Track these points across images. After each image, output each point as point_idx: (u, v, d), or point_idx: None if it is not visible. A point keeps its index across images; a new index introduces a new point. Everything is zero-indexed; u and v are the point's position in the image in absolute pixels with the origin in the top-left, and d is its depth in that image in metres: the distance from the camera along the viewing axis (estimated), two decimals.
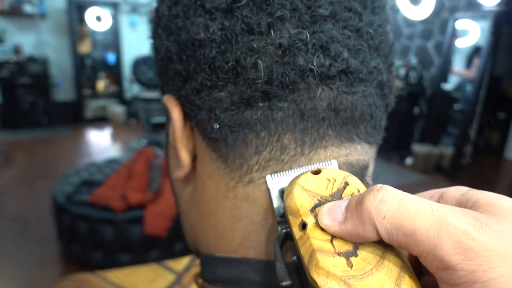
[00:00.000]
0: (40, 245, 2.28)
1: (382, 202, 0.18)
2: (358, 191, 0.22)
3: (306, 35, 0.24)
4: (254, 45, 0.24)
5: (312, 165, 0.25)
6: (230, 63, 0.24)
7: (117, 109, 5.41)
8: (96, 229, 1.94)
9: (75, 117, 5.40)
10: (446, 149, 3.91)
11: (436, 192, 0.22)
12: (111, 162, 2.55)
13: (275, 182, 0.25)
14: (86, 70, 5.65)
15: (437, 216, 0.17)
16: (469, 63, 4.06)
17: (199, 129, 0.28)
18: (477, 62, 3.75)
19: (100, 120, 5.49)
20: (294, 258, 0.23)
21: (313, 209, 0.21)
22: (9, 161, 3.75)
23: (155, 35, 0.30)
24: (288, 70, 0.24)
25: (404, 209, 0.18)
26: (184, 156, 0.29)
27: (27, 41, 4.99)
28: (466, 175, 3.81)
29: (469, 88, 3.84)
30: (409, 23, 4.41)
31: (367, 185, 0.29)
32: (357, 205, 0.19)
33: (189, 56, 0.26)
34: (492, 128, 4.56)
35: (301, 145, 0.25)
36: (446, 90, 4.17)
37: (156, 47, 0.30)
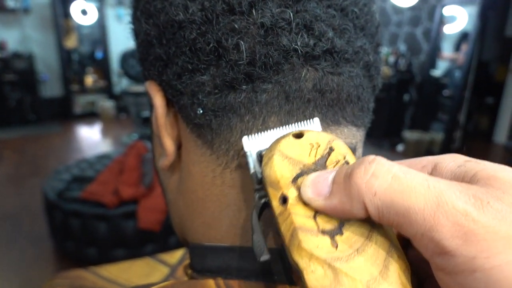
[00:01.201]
0: (33, 243, 2.26)
1: (373, 176, 0.16)
2: (344, 157, 0.20)
3: (290, 14, 0.23)
4: (236, 26, 0.23)
5: (293, 125, 0.23)
6: (211, 45, 0.23)
7: (106, 104, 5.35)
8: (89, 225, 1.93)
9: (64, 113, 5.33)
10: (437, 135, 3.95)
11: (429, 161, 0.20)
12: (102, 157, 2.52)
13: (253, 144, 0.23)
14: (73, 65, 5.56)
15: (434, 194, 0.15)
16: (457, 49, 4.09)
17: (182, 115, 0.27)
18: (465, 48, 3.77)
19: (90, 116, 5.43)
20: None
21: (295, 180, 0.19)
22: None
23: (134, 19, 0.29)
24: (271, 51, 0.23)
25: (397, 184, 0.16)
26: (168, 144, 0.28)
27: (11, 36, 4.89)
28: None
29: (457, 74, 3.87)
30: (398, 10, 4.41)
31: None
32: (346, 178, 0.17)
33: (169, 39, 0.25)
34: (481, 113, 4.61)
35: (286, 127, 0.25)
36: (435, 77, 4.19)
37: (136, 32, 0.29)
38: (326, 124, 0.26)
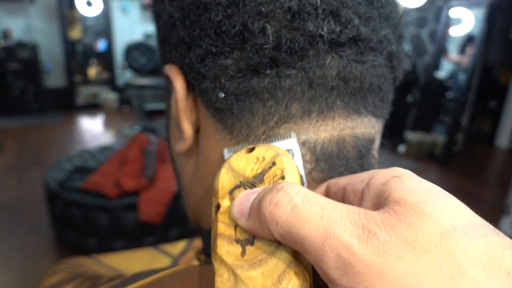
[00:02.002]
0: (34, 233, 2.26)
1: (276, 206, 0.17)
2: (282, 172, 0.21)
3: None
4: (262, 9, 0.23)
5: (269, 140, 0.24)
6: (237, 28, 0.23)
7: (109, 96, 5.35)
8: (90, 215, 1.93)
9: (67, 104, 5.33)
10: (439, 137, 3.94)
11: (367, 176, 0.20)
12: (104, 149, 2.53)
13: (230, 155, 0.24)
14: (77, 56, 5.55)
15: (324, 225, 0.16)
16: (462, 51, 4.07)
17: (203, 99, 0.27)
18: (470, 50, 3.76)
19: (92, 107, 5.43)
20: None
21: (232, 191, 0.21)
22: (0, 148, 3.70)
23: (157, 1, 0.29)
24: (297, 36, 0.23)
25: (295, 215, 0.17)
26: (187, 128, 0.28)
27: (16, 25, 4.88)
28: (458, 162, 3.85)
29: (461, 76, 3.86)
30: (404, 10, 4.39)
31: (373, 159, 0.28)
32: (258, 205, 0.18)
33: (193, 21, 0.25)
34: (484, 116, 4.60)
35: (308, 114, 0.25)
36: (439, 78, 4.18)
37: (157, 14, 0.29)
38: (347, 113, 0.26)
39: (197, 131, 0.29)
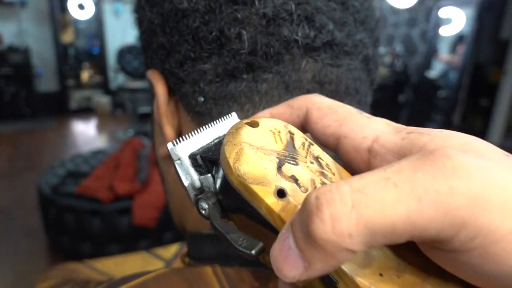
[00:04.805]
0: (27, 238, 2.25)
1: (336, 220, 0.12)
2: (306, 139, 0.18)
3: (291, 5, 0.24)
4: (238, 15, 0.24)
5: (214, 122, 0.21)
6: (214, 34, 0.24)
7: (102, 100, 5.32)
8: (83, 220, 1.92)
9: (59, 108, 5.29)
10: None
11: (370, 131, 0.17)
12: (97, 153, 2.51)
13: (181, 148, 0.19)
14: (69, 60, 5.52)
15: (405, 191, 0.12)
16: (453, 51, 4.11)
17: (183, 103, 0.27)
18: (460, 49, 3.79)
19: (85, 111, 5.40)
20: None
21: (279, 170, 0.17)
22: None
23: (139, 7, 0.29)
24: (272, 41, 0.24)
25: (364, 208, 0.12)
26: (169, 132, 0.29)
27: (7, 30, 4.84)
28: None
29: (453, 75, 3.90)
30: (395, 11, 4.42)
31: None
32: (309, 240, 0.13)
33: (172, 27, 0.26)
34: (475, 114, 4.65)
35: None
36: (430, 78, 4.22)
37: (139, 20, 0.29)
38: None
39: (179, 135, 0.30)
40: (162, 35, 0.26)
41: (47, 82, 5.22)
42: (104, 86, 5.59)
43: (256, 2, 0.23)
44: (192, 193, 0.20)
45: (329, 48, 0.25)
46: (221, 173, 0.18)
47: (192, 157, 0.19)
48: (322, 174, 0.17)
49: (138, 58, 4.82)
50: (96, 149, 2.68)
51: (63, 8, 5.23)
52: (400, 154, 0.16)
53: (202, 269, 0.26)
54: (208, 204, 0.18)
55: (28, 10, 4.91)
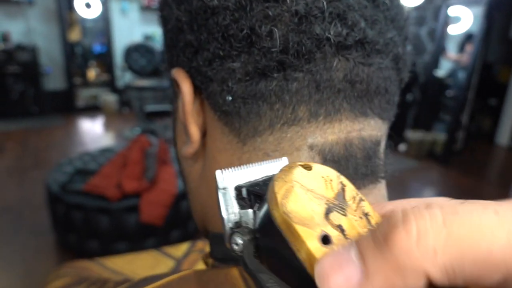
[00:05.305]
0: (35, 236, 2.26)
1: (423, 234, 0.11)
2: (357, 193, 0.18)
3: (323, 3, 0.23)
4: (270, 13, 0.23)
5: (265, 162, 0.21)
6: (244, 31, 0.23)
7: (109, 98, 5.35)
8: (91, 218, 1.93)
9: (67, 106, 5.32)
10: (439, 135, 3.94)
11: (418, 202, 0.16)
12: (105, 151, 2.52)
13: (228, 178, 0.19)
14: (76, 58, 5.55)
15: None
16: (461, 50, 4.08)
17: (210, 102, 0.27)
18: (469, 48, 3.76)
19: (92, 109, 5.43)
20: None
21: (327, 216, 0.16)
22: (0, 151, 3.70)
23: (164, 5, 0.29)
24: (304, 39, 0.23)
25: (457, 226, 0.11)
26: (194, 131, 0.28)
27: (15, 28, 4.88)
28: (458, 160, 3.85)
29: (461, 74, 3.87)
30: (408, 12, 4.39)
31: (380, 161, 0.28)
32: (382, 248, 0.12)
33: (201, 25, 0.25)
34: (484, 114, 4.61)
35: (315, 117, 0.25)
36: (438, 77, 4.19)
37: (165, 18, 0.29)
38: (354, 115, 0.26)
39: (204, 134, 0.29)
40: (190, 33, 0.26)
41: (54, 81, 5.25)
42: (111, 84, 5.61)
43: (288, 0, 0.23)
44: (228, 225, 0.19)
45: (361, 47, 0.24)
46: (264, 209, 0.17)
47: (238, 188, 0.19)
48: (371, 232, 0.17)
49: (145, 57, 4.83)
50: (104, 147, 2.69)
51: (70, 7, 5.26)
52: None
53: (229, 270, 0.26)
54: (243, 240, 0.18)
55: (35, 8, 4.95)
